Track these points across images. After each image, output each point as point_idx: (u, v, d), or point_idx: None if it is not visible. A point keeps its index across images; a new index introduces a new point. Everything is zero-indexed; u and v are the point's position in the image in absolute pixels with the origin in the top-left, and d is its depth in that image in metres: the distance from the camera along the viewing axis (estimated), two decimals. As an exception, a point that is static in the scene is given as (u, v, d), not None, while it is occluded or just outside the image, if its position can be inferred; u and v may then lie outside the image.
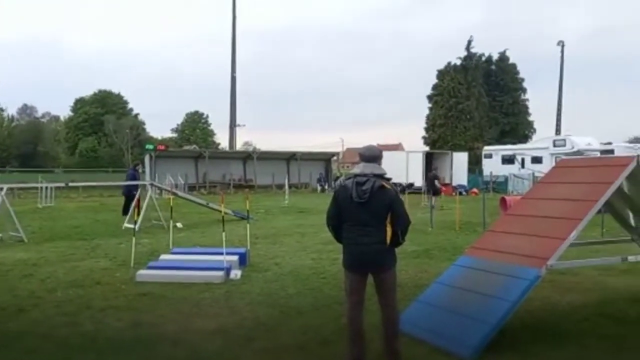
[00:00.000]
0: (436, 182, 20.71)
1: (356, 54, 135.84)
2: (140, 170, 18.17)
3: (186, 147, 47.98)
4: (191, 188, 29.60)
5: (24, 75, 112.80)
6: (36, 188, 20.88)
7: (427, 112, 48.89)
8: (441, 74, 47.93)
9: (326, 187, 34.08)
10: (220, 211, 15.23)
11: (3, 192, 11.19)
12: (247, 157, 36.44)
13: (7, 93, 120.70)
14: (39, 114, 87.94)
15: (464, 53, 48.25)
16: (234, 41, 42.81)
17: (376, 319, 4.70)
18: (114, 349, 4.74)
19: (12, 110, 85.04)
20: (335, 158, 43.03)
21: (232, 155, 38.29)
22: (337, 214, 4.40)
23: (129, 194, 15.76)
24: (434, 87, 48.30)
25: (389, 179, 4.42)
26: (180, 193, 15.45)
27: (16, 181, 23.13)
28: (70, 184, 15.63)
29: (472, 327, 4.62)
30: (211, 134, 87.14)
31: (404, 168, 30.25)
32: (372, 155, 4.45)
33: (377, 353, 4.41)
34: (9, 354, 4.65)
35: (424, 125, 48.86)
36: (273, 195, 28.83)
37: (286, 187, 25.09)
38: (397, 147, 60.73)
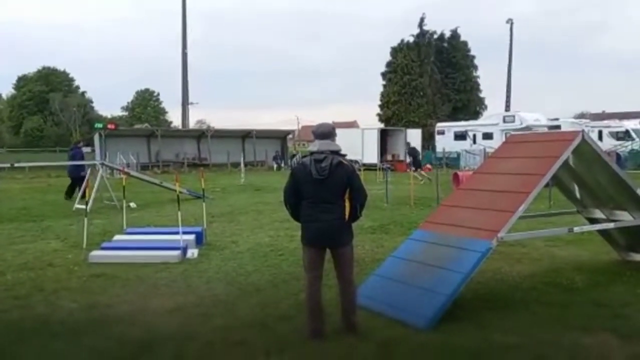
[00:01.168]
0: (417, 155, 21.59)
1: (310, 34, 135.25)
2: (83, 149, 17.41)
3: (137, 126, 46.83)
4: (144, 167, 28.97)
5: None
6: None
7: (381, 89, 49.19)
8: (395, 51, 48.11)
9: (282, 165, 33.99)
10: (175, 190, 15.08)
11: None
12: (201, 135, 35.88)
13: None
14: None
15: (416, 30, 48.60)
16: (184, 17, 41.73)
17: (334, 293, 4.79)
18: (68, 331, 4.65)
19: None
20: (291, 136, 42.88)
21: (186, 134, 37.59)
22: (295, 191, 4.41)
23: (77, 175, 15.21)
24: (388, 65, 48.49)
25: (344, 155, 4.46)
26: (133, 172, 15.09)
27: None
28: (16, 165, 15.02)
29: (427, 299, 4.74)
30: (163, 112, 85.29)
31: (360, 145, 30.47)
32: (325, 132, 4.48)
33: (336, 327, 4.48)
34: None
35: (379, 102, 49.14)
36: (228, 173, 28.56)
37: (242, 165, 24.89)
38: (352, 125, 61.05)
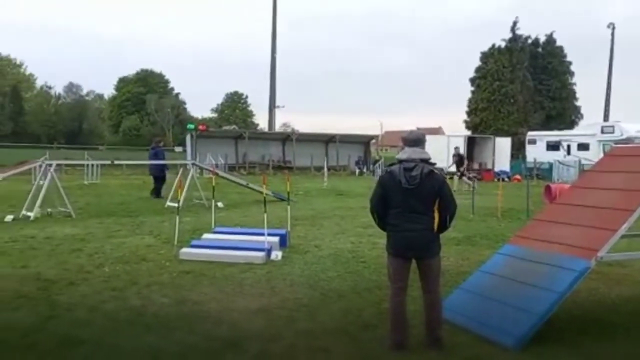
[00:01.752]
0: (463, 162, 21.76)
1: (397, 37, 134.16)
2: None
3: (225, 128, 48.43)
4: (231, 168, 29.88)
5: (70, 54, 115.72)
6: (82, 165, 21.50)
7: (469, 95, 47.91)
8: (485, 57, 46.72)
9: (364, 170, 33.90)
10: (261, 192, 15.44)
11: (52, 169, 11.55)
12: (286, 138, 36.51)
13: (53, 71, 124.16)
14: (84, 92, 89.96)
15: (509, 35, 46.93)
16: (274, 21, 42.75)
17: (417, 305, 4.69)
18: (160, 325, 4.85)
19: (58, 89, 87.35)
20: (374, 141, 42.66)
21: (272, 137, 38.43)
22: (382, 200, 4.35)
23: (159, 174, 15.78)
24: (477, 70, 47.16)
25: (433, 164, 4.37)
26: (221, 173, 15.59)
27: (63, 158, 23.74)
28: (116, 162, 15.96)
29: (517, 317, 4.53)
30: (250, 114, 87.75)
31: (445, 152, 29.81)
32: (416, 139, 4.40)
33: (419, 339, 4.39)
34: (60, 325, 4.81)
35: (466, 108, 47.89)
36: (311, 177, 28.88)
37: (325, 169, 25.08)
38: (437, 131, 59.85)
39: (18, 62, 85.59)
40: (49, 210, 11.49)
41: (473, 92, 47.55)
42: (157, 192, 15.56)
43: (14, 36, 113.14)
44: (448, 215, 4.26)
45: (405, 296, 4.37)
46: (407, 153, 4.32)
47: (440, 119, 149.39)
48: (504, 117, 44.36)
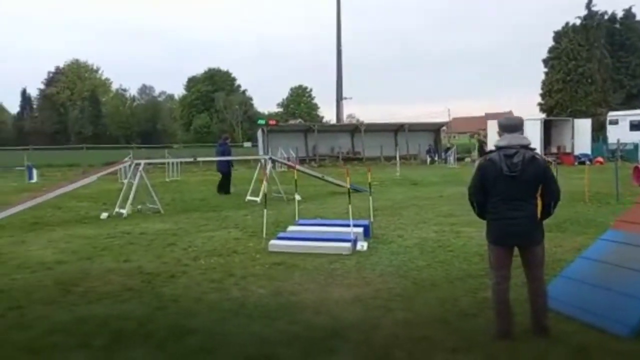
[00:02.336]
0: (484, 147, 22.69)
1: (459, 19, 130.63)
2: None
3: (291, 122, 48.99)
4: (301, 161, 30.19)
5: (143, 56, 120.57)
6: (163, 163, 22.44)
7: (542, 77, 46.08)
8: (558, 36, 44.80)
9: (436, 158, 33.37)
10: (337, 184, 15.57)
11: (141, 167, 12.13)
12: (355, 129, 36.50)
13: (128, 74, 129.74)
14: (156, 93, 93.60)
15: (584, 12, 44.67)
16: (338, 14, 42.69)
17: (516, 293, 4.60)
18: (261, 315, 5.02)
19: (133, 91, 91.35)
20: (444, 128, 41.90)
21: (340, 129, 38.52)
22: (482, 188, 4.29)
23: (227, 169, 16.06)
24: (551, 50, 45.30)
25: (533, 149, 4.26)
26: (299, 167, 15.82)
27: (144, 157, 24.82)
28: (199, 159, 16.52)
29: (626, 304, 4.36)
30: (315, 107, 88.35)
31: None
32: (515, 125, 4.30)
33: (523, 328, 4.32)
34: (168, 315, 5.08)
35: (540, 91, 46.12)
36: (382, 167, 28.74)
37: (397, 159, 24.90)
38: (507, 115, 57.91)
39: (95, 68, 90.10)
40: (139, 207, 12.08)
41: (547, 74, 45.77)
42: (225, 188, 15.94)
43: (91, 42, 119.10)
44: (552, 202, 4.16)
45: (508, 284, 4.30)
46: (506, 139, 4.23)
47: (510, 102, 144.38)
48: (581, 98, 42.43)
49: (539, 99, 46.53)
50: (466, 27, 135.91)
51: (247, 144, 53.25)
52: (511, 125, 4.30)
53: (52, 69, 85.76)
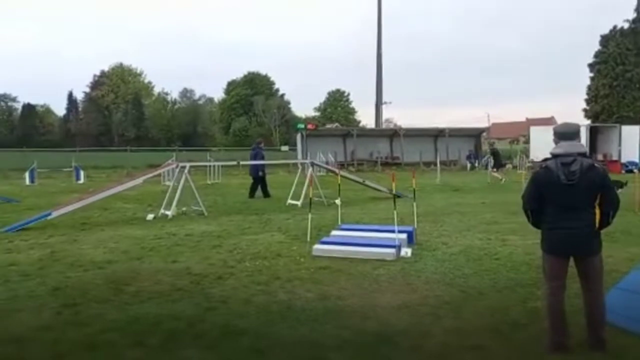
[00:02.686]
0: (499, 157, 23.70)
1: (500, 21, 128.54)
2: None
3: (328, 126, 49.12)
4: (340, 165, 30.31)
5: (184, 60, 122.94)
6: (205, 165, 22.78)
7: (588, 81, 44.93)
8: (605, 40, 43.62)
9: (476, 164, 32.90)
10: (377, 189, 15.53)
11: (186, 170, 12.36)
12: (394, 134, 36.35)
13: (169, 78, 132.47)
14: (197, 96, 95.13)
15: (632, 15, 43.36)
16: (379, 19, 42.62)
17: (570, 305, 4.50)
18: (310, 318, 5.04)
19: (174, 94, 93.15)
20: (485, 134, 41.33)
21: (379, 133, 38.45)
22: (537, 197, 4.21)
23: (257, 174, 16.11)
24: (597, 54, 44.13)
25: (590, 157, 4.17)
26: (342, 172, 15.84)
27: (186, 160, 25.32)
28: (242, 163, 16.72)
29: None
30: (352, 111, 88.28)
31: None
32: (572, 133, 4.22)
33: (578, 340, 4.21)
34: (217, 316, 5.15)
35: (585, 96, 44.95)
36: (421, 173, 28.53)
37: (437, 164, 24.68)
38: (548, 121, 56.77)
39: (138, 71, 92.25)
40: (183, 209, 12.32)
41: (592, 78, 44.60)
42: (262, 192, 16.02)
43: (135, 46, 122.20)
44: (611, 211, 4.06)
45: (563, 295, 4.21)
46: (563, 147, 4.14)
47: (552, 107, 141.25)
48: (628, 104, 41.21)
49: (583, 105, 45.47)
50: (506, 30, 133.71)
51: (285, 148, 53.62)
52: (568, 132, 4.22)
53: (98, 73, 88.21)
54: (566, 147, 4.14)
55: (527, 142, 43.54)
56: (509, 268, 6.91)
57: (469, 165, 32.91)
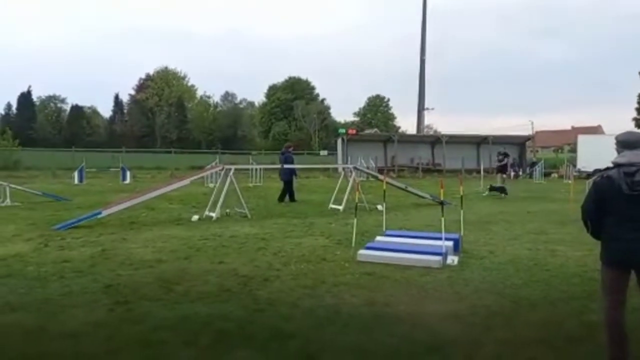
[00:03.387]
0: (506, 159, 24.58)
1: (545, 29, 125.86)
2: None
3: (367, 131, 48.96)
4: (380, 171, 30.13)
5: (226, 64, 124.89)
6: (247, 169, 23.08)
7: (638, 89, 43.54)
8: (658, 47, 42.15)
9: (520, 173, 32.23)
10: (420, 196, 15.38)
11: (231, 173, 12.53)
12: (436, 141, 35.96)
13: (212, 81, 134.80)
14: (238, 100, 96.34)
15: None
16: (424, 24, 42.32)
17: (630, 320, 4.34)
18: (357, 324, 5.01)
19: (216, 97, 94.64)
20: (530, 142, 40.44)
21: (421, 139, 38.12)
22: (597, 207, 4.08)
23: (288, 178, 16.10)
24: (649, 62, 42.70)
25: None
26: (388, 178, 15.77)
27: (229, 162, 25.68)
28: (285, 166, 16.81)
29: None
30: (392, 117, 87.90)
31: (608, 154, 27.27)
32: (635, 141, 4.06)
33: (637, 357, 4.06)
34: (266, 318, 5.18)
35: (635, 105, 43.55)
36: (463, 180, 28.08)
37: (481, 172, 24.31)
38: (595, 130, 55.30)
39: (182, 75, 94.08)
40: (227, 211, 12.47)
41: (643, 86, 43.12)
42: (290, 197, 16.06)
43: (179, 50, 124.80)
44: (678, 224, 3.89)
45: (623, 310, 4.05)
46: (626, 157, 4.00)
47: (598, 116, 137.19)
48: (681, 113, 39.62)
49: (634, 114, 43.99)
50: (551, 38, 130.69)
51: (324, 152, 53.75)
52: (632, 141, 4.07)
53: (143, 76, 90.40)
54: (630, 156, 3.99)
55: (573, 150, 42.41)
56: (561, 280, 6.72)
57: (512, 173, 32.25)
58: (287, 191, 16.20)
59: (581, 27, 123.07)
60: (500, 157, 24.05)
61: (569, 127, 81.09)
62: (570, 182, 21.25)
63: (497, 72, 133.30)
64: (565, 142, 64.68)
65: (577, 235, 9.65)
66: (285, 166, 15.60)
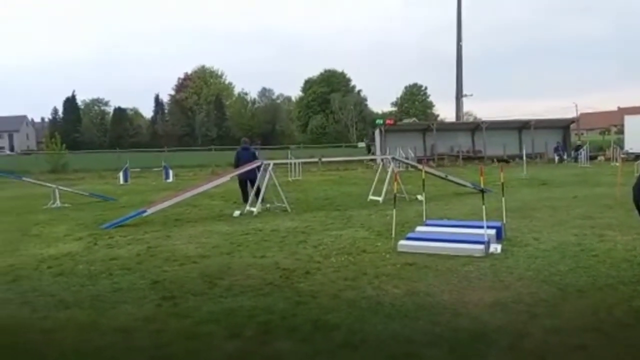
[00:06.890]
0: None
1: (582, 7, 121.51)
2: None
3: (405, 121, 48.46)
4: (419, 161, 29.85)
5: (262, 61, 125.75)
6: (286, 163, 23.24)
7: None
8: None
9: (565, 157, 31.37)
10: (460, 184, 15.18)
11: (270, 167, 12.65)
12: (476, 127, 35.34)
13: (248, 78, 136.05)
14: (275, 95, 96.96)
15: None
16: (459, 9, 41.56)
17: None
18: (400, 314, 5.01)
19: (253, 94, 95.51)
20: (574, 125, 39.27)
21: (460, 127, 37.49)
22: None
23: (254, 176, 14.03)
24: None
25: None
26: (427, 168, 15.64)
27: (267, 158, 25.95)
28: (323, 160, 16.91)
29: None
30: (430, 105, 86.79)
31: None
32: None
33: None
34: (308, 310, 5.22)
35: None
36: (506, 167, 27.55)
37: (524, 158, 23.79)
38: (641, 110, 53.18)
39: (219, 73, 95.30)
40: (267, 205, 12.61)
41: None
42: (243, 196, 13.82)
43: (216, 48, 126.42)
44: None
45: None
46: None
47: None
48: None
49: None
50: (590, 17, 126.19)
51: (361, 144, 53.58)
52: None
53: (182, 76, 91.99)
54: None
55: (620, 132, 40.96)
56: (609, 265, 6.53)
57: (556, 158, 31.43)
58: (244, 191, 14.15)
59: (620, 3, 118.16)
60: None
61: (615, 108, 78.46)
62: (617, 164, 20.58)
63: (536, 53, 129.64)
64: (611, 123, 62.60)
65: (625, 219, 9.36)
66: (324, 159, 15.54)
